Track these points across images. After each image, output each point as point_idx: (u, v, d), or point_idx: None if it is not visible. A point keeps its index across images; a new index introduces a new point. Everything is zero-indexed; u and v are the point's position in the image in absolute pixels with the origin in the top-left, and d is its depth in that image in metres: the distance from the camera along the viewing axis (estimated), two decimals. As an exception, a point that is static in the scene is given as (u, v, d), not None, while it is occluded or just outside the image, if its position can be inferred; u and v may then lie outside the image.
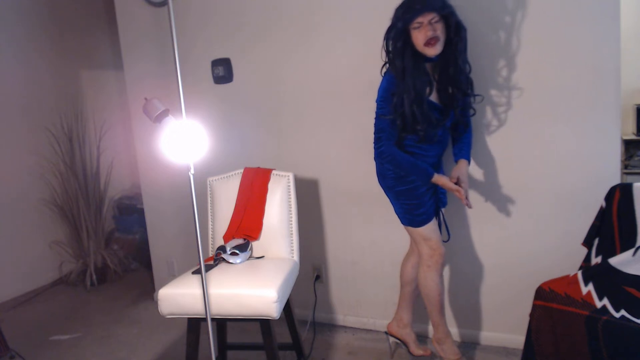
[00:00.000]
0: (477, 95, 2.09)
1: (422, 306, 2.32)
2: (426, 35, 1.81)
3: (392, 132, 1.94)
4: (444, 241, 2.11)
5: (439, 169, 2.10)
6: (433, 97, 1.96)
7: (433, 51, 1.84)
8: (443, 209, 2.21)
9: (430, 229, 2.06)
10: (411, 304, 2.27)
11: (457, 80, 1.93)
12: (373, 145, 2.04)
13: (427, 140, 1.96)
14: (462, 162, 2.06)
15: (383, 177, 2.07)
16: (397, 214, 2.10)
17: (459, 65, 1.91)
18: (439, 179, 1.96)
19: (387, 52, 1.93)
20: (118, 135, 4.10)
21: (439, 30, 1.82)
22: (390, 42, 1.90)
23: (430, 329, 2.45)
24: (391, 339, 2.33)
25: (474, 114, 2.09)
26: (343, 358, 2.39)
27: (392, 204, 2.10)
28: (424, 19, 1.80)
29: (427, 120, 1.90)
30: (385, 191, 2.11)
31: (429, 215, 2.05)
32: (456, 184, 1.98)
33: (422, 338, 2.45)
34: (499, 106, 2.17)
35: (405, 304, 2.27)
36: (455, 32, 1.86)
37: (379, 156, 2.01)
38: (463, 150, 2.10)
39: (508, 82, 2.14)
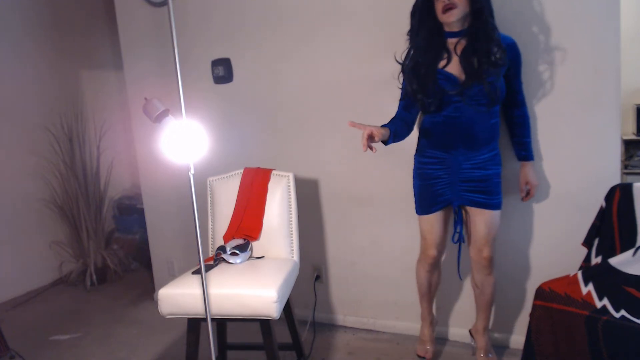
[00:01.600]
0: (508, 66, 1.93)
1: (467, 313, 2.33)
2: (443, 2, 1.82)
3: (402, 100, 2.06)
4: (453, 241, 2.11)
5: (462, 166, 1.97)
6: (453, 70, 1.89)
7: (449, 18, 1.83)
8: (476, 209, 2.01)
9: (427, 228, 2.08)
10: (479, 309, 2.18)
11: (482, 51, 1.84)
12: None
13: (426, 111, 1.97)
14: (522, 166, 2.09)
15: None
16: None
17: (488, 34, 1.84)
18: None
19: (411, 24, 1.98)
20: (118, 135, 4.09)
21: None
22: (413, 14, 1.95)
23: (514, 338, 2.36)
24: (472, 340, 2.30)
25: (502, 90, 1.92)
26: (343, 358, 2.39)
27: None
28: None
29: (424, 91, 1.92)
30: None
31: (425, 206, 2.06)
32: (528, 191, 2.09)
33: (502, 348, 2.36)
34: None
35: (476, 309, 2.22)
36: (478, 0, 1.84)
37: None
38: (519, 149, 2.08)
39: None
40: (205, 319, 1.73)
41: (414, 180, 2.12)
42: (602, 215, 1.83)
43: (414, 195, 2.12)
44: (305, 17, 2.50)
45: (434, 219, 2.06)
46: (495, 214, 2.02)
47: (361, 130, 1.81)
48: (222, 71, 2.71)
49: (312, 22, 2.49)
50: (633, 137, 4.14)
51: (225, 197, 2.26)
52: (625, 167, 4.10)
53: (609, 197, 1.81)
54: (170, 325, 2.79)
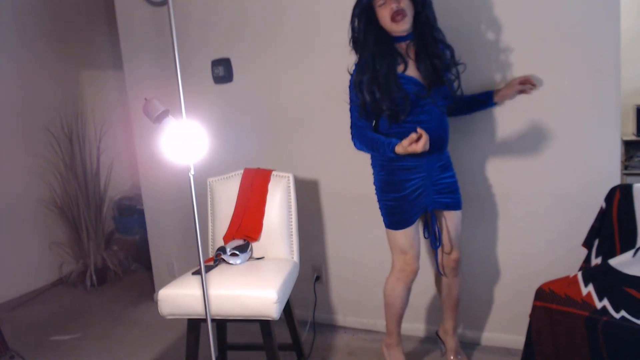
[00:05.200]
0: (460, 63, 1.95)
1: (467, 313, 2.35)
2: (391, 10, 1.76)
3: (360, 117, 1.88)
4: (434, 247, 2.05)
5: (435, 171, 1.95)
6: (413, 74, 1.86)
7: (401, 26, 1.79)
8: (451, 213, 2.02)
9: (409, 241, 1.96)
10: (449, 311, 2.19)
11: (435, 53, 1.85)
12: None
13: (395, 119, 1.85)
14: (498, 93, 2.00)
15: (373, 169, 2.03)
16: (381, 215, 2.02)
17: (435, 37, 1.85)
18: (399, 146, 1.76)
19: (352, 33, 1.88)
20: (118, 135, 4.09)
21: (404, 3, 1.77)
22: (355, 23, 1.86)
23: (485, 336, 2.41)
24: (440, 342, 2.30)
25: (459, 86, 1.96)
26: (343, 358, 2.39)
27: (378, 201, 2.02)
28: None
29: (389, 98, 1.80)
30: (375, 187, 2.04)
31: (405, 220, 1.93)
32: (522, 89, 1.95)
33: (471, 345, 2.40)
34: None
35: (444, 311, 2.21)
36: (422, 4, 1.82)
37: (353, 142, 1.94)
38: (482, 103, 2.04)
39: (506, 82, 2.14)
40: (205, 320, 1.73)
41: (382, 195, 1.97)
42: (602, 216, 1.82)
43: (385, 211, 1.98)
44: (305, 18, 2.50)
45: (414, 231, 1.97)
46: (460, 213, 2.04)
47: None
48: (222, 71, 2.71)
49: (312, 22, 2.49)
50: (633, 137, 4.14)
51: (226, 197, 2.26)
52: (625, 167, 4.10)
53: (609, 198, 1.81)
54: (170, 325, 2.79)
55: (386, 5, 1.78)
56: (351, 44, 1.92)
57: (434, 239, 2.01)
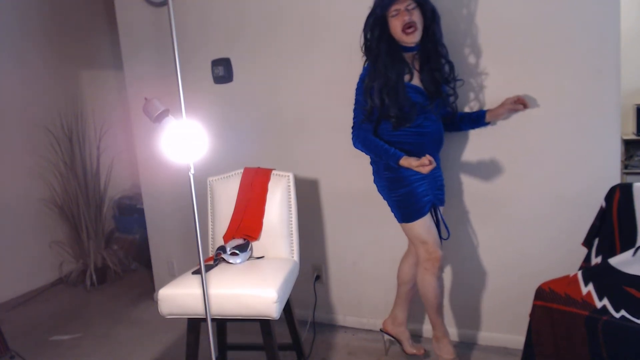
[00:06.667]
0: (459, 80, 2.09)
1: (418, 305, 2.34)
2: (403, 21, 1.85)
3: (364, 118, 1.98)
4: (444, 239, 2.12)
5: (436, 168, 2.02)
6: (418, 84, 1.98)
7: (412, 38, 1.88)
8: (441, 208, 2.18)
9: (426, 230, 2.03)
10: (407, 303, 2.27)
11: (437, 67, 1.97)
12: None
13: (401, 125, 1.94)
14: (491, 112, 2.09)
15: (375, 169, 2.10)
16: (392, 212, 2.10)
17: (439, 51, 1.96)
18: (405, 160, 1.89)
19: (365, 40, 1.98)
20: (118, 135, 4.09)
21: (416, 17, 1.87)
22: (369, 30, 1.95)
23: (426, 328, 2.47)
24: (386, 337, 2.33)
25: (454, 101, 2.09)
26: (343, 358, 2.39)
27: (386, 199, 2.10)
28: (401, 5, 1.86)
29: (398, 105, 1.90)
30: (377, 187, 2.12)
31: (419, 209, 2.00)
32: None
33: (417, 337, 2.46)
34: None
35: (400, 303, 2.27)
36: (431, 19, 1.90)
37: (353, 141, 2.03)
38: (474, 122, 2.13)
39: (506, 82, 2.14)
40: (205, 319, 1.73)
41: (390, 193, 2.04)
42: (602, 216, 1.82)
43: (396, 205, 2.04)
44: (305, 18, 2.50)
45: (429, 219, 2.05)
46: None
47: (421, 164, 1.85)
48: (222, 71, 2.71)
49: (312, 22, 2.49)
50: (633, 137, 4.15)
51: (226, 197, 2.26)
52: (625, 167, 4.10)
53: (609, 197, 1.81)
54: (170, 325, 2.79)
55: (399, 16, 1.87)
56: (363, 50, 2.01)
57: (446, 230, 2.15)
